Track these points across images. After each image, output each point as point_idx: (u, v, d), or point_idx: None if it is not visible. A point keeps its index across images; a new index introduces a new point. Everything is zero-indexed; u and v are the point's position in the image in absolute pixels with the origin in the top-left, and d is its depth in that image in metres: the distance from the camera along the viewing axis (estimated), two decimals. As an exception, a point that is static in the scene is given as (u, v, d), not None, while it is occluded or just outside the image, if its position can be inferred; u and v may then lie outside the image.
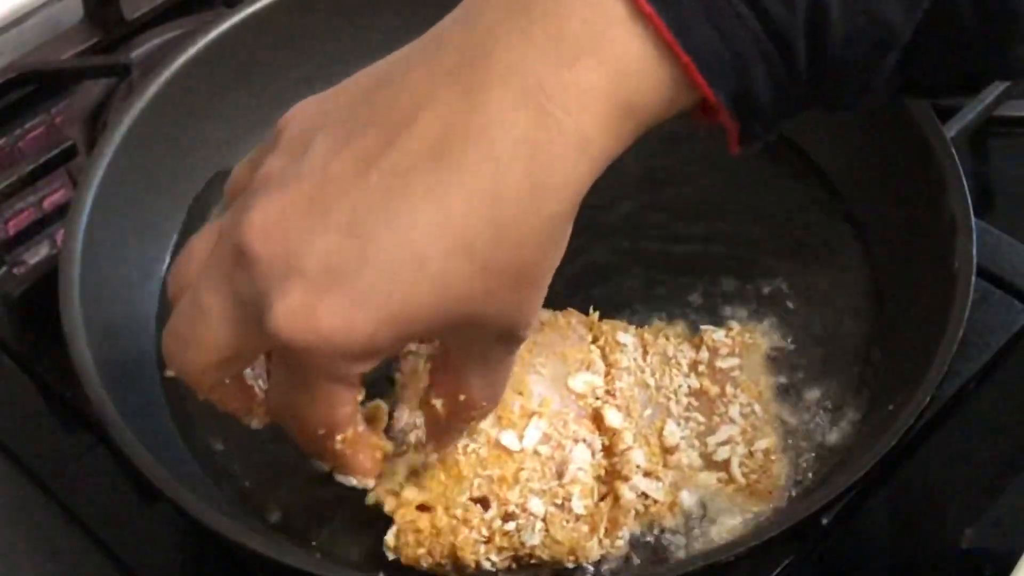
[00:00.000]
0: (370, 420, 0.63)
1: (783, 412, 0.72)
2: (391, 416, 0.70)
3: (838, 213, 0.82)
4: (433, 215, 0.48)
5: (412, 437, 0.68)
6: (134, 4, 0.99)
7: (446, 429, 0.62)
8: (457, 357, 0.56)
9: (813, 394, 0.73)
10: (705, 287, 0.79)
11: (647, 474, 0.68)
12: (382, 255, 0.49)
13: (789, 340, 0.76)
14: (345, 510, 0.71)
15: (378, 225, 0.49)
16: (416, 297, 0.49)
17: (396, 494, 0.67)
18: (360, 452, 0.59)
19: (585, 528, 0.66)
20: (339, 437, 0.57)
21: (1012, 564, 0.65)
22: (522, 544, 0.65)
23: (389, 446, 0.63)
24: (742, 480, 0.68)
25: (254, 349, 0.54)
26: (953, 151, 0.76)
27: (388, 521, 0.67)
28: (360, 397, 0.57)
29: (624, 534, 0.67)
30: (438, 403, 0.60)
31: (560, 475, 0.66)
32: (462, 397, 0.58)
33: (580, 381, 0.70)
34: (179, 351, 0.55)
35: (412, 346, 0.73)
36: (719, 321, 0.77)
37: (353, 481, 0.62)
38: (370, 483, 0.62)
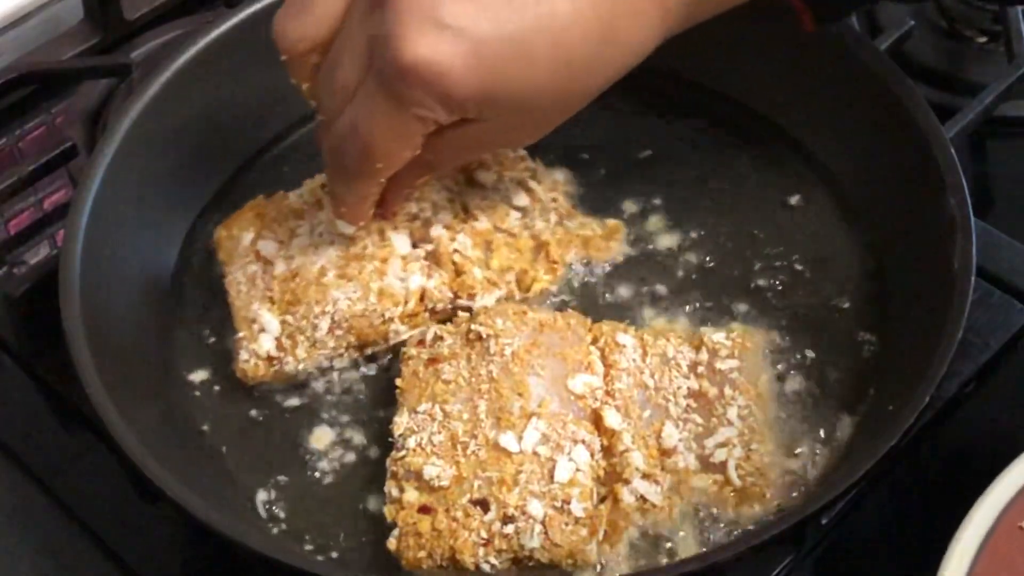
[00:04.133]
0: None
1: (782, 413, 0.72)
2: (391, 421, 0.71)
3: (839, 213, 0.82)
4: (546, 19, 0.63)
5: (412, 441, 0.68)
6: (134, 4, 0.99)
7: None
8: (473, 134, 0.68)
9: (813, 395, 0.73)
10: (705, 287, 0.79)
11: (645, 476, 0.68)
12: (505, 30, 0.62)
13: (788, 341, 0.76)
14: (348, 512, 0.71)
15: (503, 9, 0.62)
16: (515, 75, 0.63)
17: (397, 499, 0.67)
18: (390, 196, 0.73)
19: (584, 531, 0.66)
20: (382, 167, 0.68)
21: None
22: (521, 547, 0.65)
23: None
24: (738, 482, 0.68)
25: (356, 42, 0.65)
26: (953, 151, 0.76)
27: (390, 525, 0.67)
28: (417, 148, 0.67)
29: (623, 539, 0.67)
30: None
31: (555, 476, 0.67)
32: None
33: (579, 382, 0.70)
34: (291, 17, 0.67)
35: (412, 351, 0.73)
36: (719, 322, 0.77)
37: (348, 228, 0.74)
38: (350, 229, 0.75)
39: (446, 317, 0.75)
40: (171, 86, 0.82)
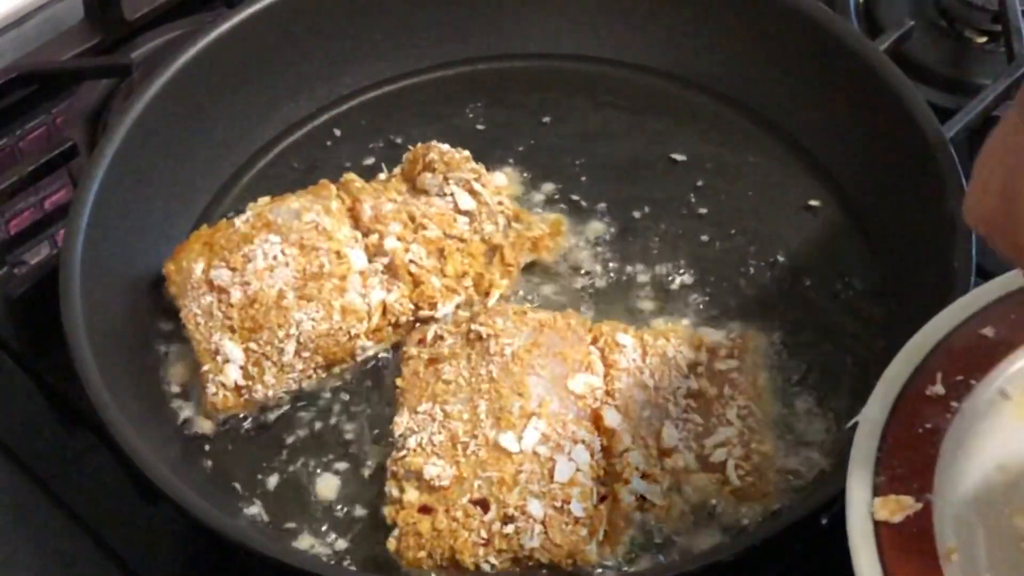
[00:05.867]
0: None
1: (781, 413, 0.72)
2: (391, 421, 0.71)
3: (839, 214, 0.82)
4: None
5: (412, 441, 0.68)
6: (134, 4, 0.99)
7: None
8: None
9: (812, 395, 0.73)
10: (706, 287, 0.79)
11: (645, 476, 0.68)
12: None
13: (788, 341, 0.76)
14: (347, 513, 0.71)
15: None
16: None
17: (397, 499, 0.67)
18: None
19: (584, 531, 0.66)
20: None
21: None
22: (521, 547, 0.65)
23: None
24: (737, 482, 0.68)
25: None
26: (953, 151, 0.76)
27: (390, 527, 0.67)
28: None
29: (624, 539, 0.67)
30: None
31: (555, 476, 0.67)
32: None
33: (579, 382, 0.70)
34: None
35: (413, 350, 0.73)
36: (719, 322, 0.77)
37: None
38: None
39: (408, 330, 0.75)
40: (171, 86, 0.83)
